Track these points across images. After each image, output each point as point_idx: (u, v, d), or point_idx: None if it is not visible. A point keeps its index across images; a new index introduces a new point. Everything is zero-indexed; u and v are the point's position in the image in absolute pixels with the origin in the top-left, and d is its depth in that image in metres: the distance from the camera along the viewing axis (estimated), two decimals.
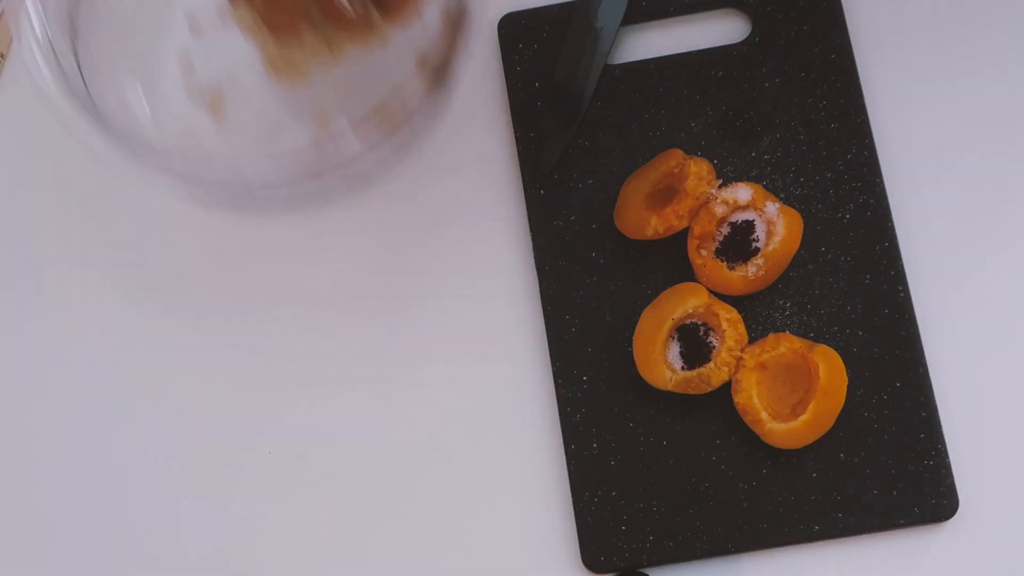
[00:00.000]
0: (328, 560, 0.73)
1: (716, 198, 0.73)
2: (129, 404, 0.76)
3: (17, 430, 0.76)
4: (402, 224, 0.77)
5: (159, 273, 0.77)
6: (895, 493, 0.71)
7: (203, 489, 0.74)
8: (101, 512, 0.75)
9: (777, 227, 0.72)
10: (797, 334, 0.73)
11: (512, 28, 0.79)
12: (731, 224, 0.73)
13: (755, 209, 0.73)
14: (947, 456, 0.71)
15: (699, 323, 0.72)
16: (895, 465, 0.71)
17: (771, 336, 0.72)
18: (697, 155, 0.75)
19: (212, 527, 0.73)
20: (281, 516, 0.73)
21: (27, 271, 0.79)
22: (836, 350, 0.71)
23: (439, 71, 0.65)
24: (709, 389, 0.71)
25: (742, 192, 0.73)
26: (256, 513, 0.74)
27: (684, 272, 0.74)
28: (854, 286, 0.74)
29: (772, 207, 0.72)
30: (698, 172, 0.73)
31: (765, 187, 0.74)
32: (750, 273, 0.72)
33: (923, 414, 0.72)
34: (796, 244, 0.72)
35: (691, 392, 0.71)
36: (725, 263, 0.73)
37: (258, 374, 0.75)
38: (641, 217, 0.73)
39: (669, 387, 0.72)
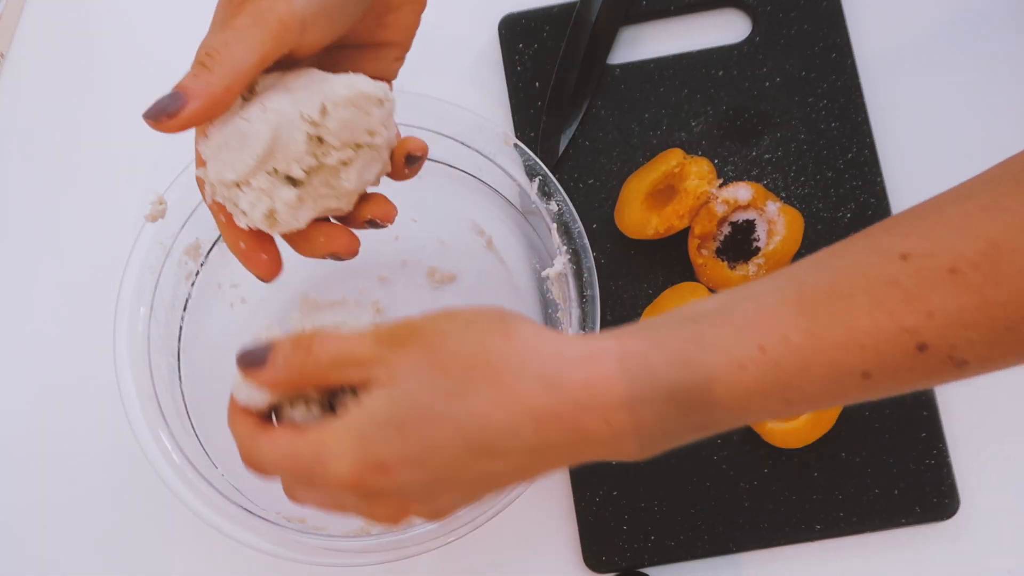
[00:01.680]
0: None
1: (717, 198, 0.73)
2: None
3: None
4: None
5: None
6: (896, 492, 0.71)
7: None
8: None
9: (778, 226, 0.72)
10: None
11: (512, 28, 0.79)
12: (732, 224, 0.73)
13: (756, 208, 0.73)
14: (948, 455, 0.71)
15: None
16: (896, 464, 0.71)
17: None
18: (697, 155, 0.75)
19: None
20: None
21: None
22: None
23: None
24: None
25: (742, 191, 0.73)
26: None
27: (685, 272, 0.74)
28: None
29: (773, 206, 0.72)
30: (698, 171, 0.73)
31: (766, 186, 0.74)
32: (751, 272, 0.72)
33: (924, 413, 0.72)
34: (797, 243, 0.72)
35: None
36: (726, 262, 0.73)
37: None
38: (641, 217, 0.73)
39: None
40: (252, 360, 0.53)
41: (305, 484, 0.51)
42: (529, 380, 0.47)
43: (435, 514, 0.52)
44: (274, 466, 0.52)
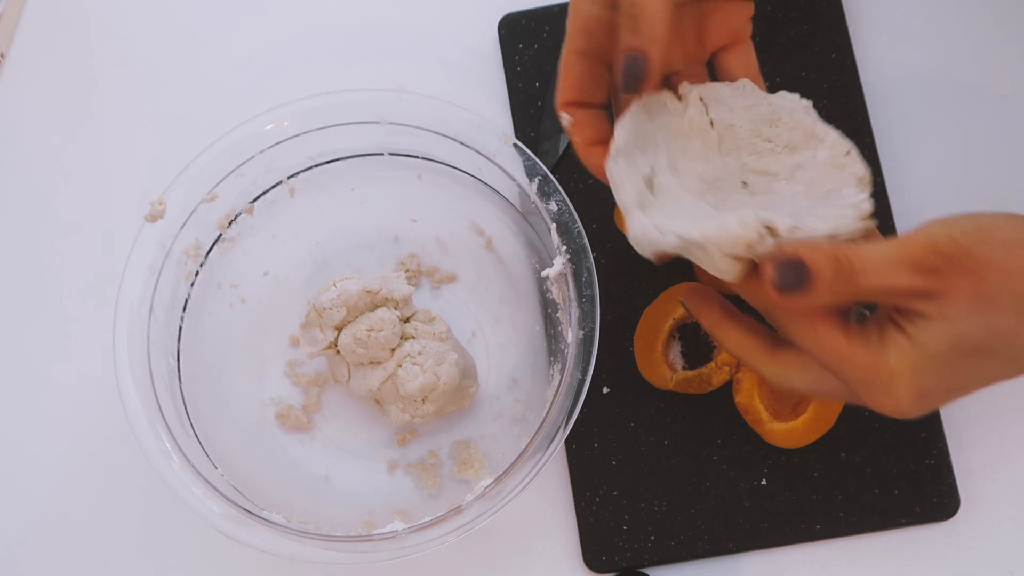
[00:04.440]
0: None
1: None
2: None
3: None
4: None
5: None
6: (896, 492, 0.71)
7: None
8: None
9: None
10: None
11: (512, 28, 0.79)
12: None
13: None
14: (948, 455, 0.71)
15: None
16: (896, 464, 0.71)
17: None
18: None
19: None
20: None
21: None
22: None
23: None
24: (710, 389, 0.71)
25: None
26: None
27: (685, 272, 0.74)
28: None
29: None
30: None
31: None
32: None
33: None
34: None
35: (692, 392, 0.71)
36: None
37: None
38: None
39: (670, 387, 0.71)
40: (792, 285, 0.51)
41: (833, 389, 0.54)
42: None
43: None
44: (814, 370, 0.55)
